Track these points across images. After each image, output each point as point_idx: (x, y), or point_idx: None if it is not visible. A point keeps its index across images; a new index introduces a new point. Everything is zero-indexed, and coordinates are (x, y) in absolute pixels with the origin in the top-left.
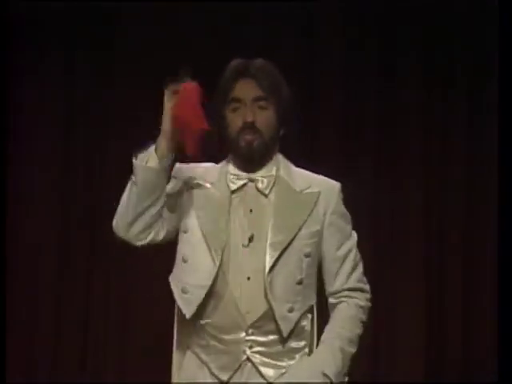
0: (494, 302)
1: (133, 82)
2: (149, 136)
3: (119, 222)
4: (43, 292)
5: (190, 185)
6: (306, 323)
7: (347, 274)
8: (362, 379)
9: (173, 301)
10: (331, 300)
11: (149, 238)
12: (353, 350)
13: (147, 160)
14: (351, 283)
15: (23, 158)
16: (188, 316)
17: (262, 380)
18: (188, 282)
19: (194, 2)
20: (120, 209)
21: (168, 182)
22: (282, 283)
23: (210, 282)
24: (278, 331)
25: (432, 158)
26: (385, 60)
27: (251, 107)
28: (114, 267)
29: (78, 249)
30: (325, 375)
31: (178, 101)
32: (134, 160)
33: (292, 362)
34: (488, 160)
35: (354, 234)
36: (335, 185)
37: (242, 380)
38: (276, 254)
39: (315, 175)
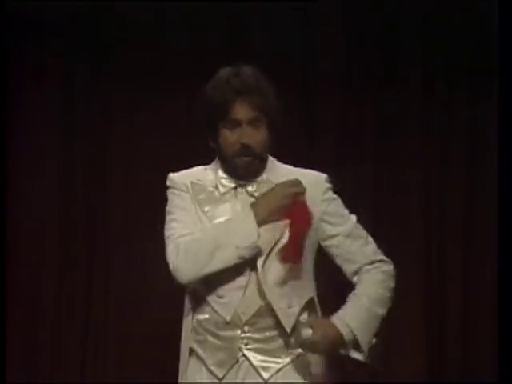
0: (494, 302)
1: (133, 82)
2: (148, 136)
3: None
4: (43, 292)
5: (192, 191)
6: (302, 319)
7: (361, 250)
8: (362, 379)
9: (174, 300)
10: (354, 279)
11: None
12: (381, 310)
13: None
14: (368, 257)
15: (23, 158)
16: (229, 319)
17: (258, 377)
18: (222, 286)
19: (195, 2)
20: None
21: None
22: (276, 280)
23: (245, 282)
24: (274, 328)
25: (432, 158)
26: (385, 60)
27: (247, 128)
28: (114, 266)
29: (78, 248)
30: (347, 325)
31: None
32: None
33: (289, 359)
34: (488, 160)
35: (353, 215)
36: (320, 175)
37: (239, 377)
38: (266, 253)
39: (301, 170)
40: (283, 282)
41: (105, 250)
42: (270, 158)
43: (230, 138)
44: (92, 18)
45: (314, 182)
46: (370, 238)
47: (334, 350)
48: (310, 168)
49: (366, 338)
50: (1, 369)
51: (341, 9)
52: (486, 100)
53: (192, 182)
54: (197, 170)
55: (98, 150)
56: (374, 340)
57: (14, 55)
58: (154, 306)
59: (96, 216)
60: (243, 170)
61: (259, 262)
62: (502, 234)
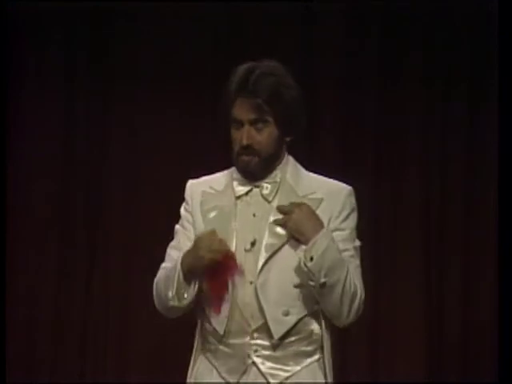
0: (494, 302)
1: (133, 82)
2: (148, 136)
3: (160, 310)
4: (43, 293)
5: (201, 200)
6: (313, 327)
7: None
8: (362, 379)
9: None
10: None
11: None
12: (345, 285)
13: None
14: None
15: (23, 158)
16: (222, 332)
17: None
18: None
19: (195, 2)
20: (158, 301)
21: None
22: (275, 286)
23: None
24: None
25: (432, 158)
26: (385, 60)
27: (248, 129)
28: (114, 267)
29: (78, 249)
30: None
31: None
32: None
33: (298, 368)
34: (488, 161)
35: (357, 241)
36: (343, 188)
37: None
38: (267, 256)
39: (325, 179)
40: (282, 288)
41: (105, 250)
42: (291, 160)
43: (235, 137)
44: (92, 18)
45: (335, 195)
46: (360, 269)
47: (300, 231)
48: (310, 168)
49: (324, 264)
50: (1, 369)
51: (341, 9)
52: (486, 100)
53: (203, 192)
54: (216, 175)
55: (98, 150)
56: (322, 279)
57: (13, 55)
58: (154, 307)
59: (96, 216)
60: (243, 169)
61: (258, 268)
62: (502, 234)
